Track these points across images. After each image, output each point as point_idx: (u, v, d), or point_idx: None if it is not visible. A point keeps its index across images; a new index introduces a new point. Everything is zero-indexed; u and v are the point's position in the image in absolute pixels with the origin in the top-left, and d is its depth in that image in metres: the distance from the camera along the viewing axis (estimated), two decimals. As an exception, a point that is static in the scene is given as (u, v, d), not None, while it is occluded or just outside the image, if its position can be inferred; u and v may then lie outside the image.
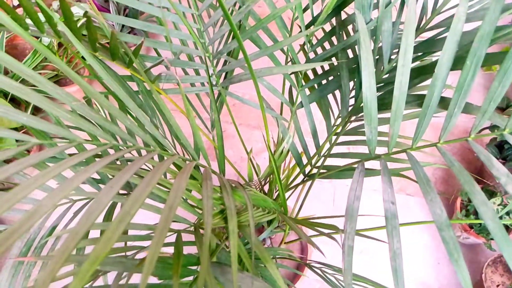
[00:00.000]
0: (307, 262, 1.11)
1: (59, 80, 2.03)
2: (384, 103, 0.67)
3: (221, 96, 0.86)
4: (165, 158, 0.57)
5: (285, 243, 1.17)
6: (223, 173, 0.72)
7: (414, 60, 0.70)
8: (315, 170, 0.89)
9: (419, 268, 1.61)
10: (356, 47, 0.79)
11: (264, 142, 1.99)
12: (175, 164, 0.65)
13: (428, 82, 0.63)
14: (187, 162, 0.59)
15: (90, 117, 0.49)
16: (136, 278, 1.35)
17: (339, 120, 0.87)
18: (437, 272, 1.60)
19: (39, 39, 1.78)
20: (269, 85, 0.81)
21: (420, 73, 0.65)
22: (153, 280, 1.12)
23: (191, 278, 0.61)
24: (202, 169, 0.62)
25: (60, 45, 1.99)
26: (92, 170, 0.39)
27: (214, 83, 0.83)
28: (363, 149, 1.87)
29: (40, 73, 1.19)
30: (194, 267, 0.60)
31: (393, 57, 0.75)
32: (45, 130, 0.41)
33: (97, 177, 0.81)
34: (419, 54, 0.71)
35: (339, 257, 1.63)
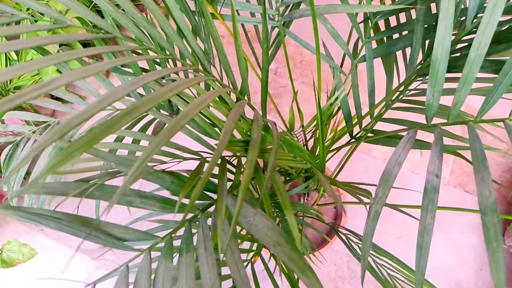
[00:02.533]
0: (334, 226, 1.07)
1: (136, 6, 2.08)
2: (455, 66, 0.58)
3: (280, 36, 0.81)
4: (198, 75, 0.54)
5: (317, 204, 1.13)
6: (263, 111, 0.69)
7: (503, 24, 0.58)
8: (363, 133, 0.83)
9: (459, 269, 1.50)
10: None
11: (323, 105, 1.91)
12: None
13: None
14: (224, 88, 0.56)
15: (133, 16, 0.47)
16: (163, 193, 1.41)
17: (401, 88, 0.78)
18: (477, 278, 1.48)
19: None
20: (333, 30, 0.74)
21: (507, 38, 0.55)
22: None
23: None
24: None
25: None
26: (122, 60, 0.37)
27: (276, 20, 0.78)
28: (418, 119, 1.73)
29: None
30: (211, 195, 0.59)
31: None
32: (89, 18, 0.40)
33: (143, 92, 0.82)
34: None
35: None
